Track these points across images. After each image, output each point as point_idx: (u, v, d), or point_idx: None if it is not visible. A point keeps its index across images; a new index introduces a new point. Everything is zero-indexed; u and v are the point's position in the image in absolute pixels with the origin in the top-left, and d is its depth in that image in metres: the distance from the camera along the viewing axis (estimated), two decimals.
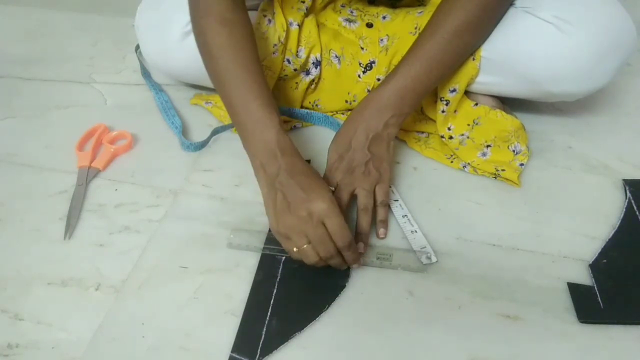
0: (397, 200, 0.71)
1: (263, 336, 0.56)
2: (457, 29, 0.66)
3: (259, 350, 0.55)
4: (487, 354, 0.55)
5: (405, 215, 0.68)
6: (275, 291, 0.61)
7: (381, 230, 0.65)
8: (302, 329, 0.57)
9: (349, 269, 0.62)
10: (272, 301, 0.59)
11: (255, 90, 0.64)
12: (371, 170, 0.66)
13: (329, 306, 0.59)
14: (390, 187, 0.70)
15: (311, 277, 0.62)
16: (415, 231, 0.66)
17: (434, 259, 0.62)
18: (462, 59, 0.72)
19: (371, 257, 0.63)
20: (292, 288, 0.61)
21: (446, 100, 0.75)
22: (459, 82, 0.74)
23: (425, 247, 0.64)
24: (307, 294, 0.61)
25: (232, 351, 0.55)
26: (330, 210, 0.57)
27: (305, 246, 0.58)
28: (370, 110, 0.68)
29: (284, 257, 0.63)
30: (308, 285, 0.61)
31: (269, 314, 0.58)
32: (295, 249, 0.58)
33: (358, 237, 0.64)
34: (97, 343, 0.56)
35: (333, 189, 0.65)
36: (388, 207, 0.68)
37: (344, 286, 0.61)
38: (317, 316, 0.58)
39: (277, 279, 0.62)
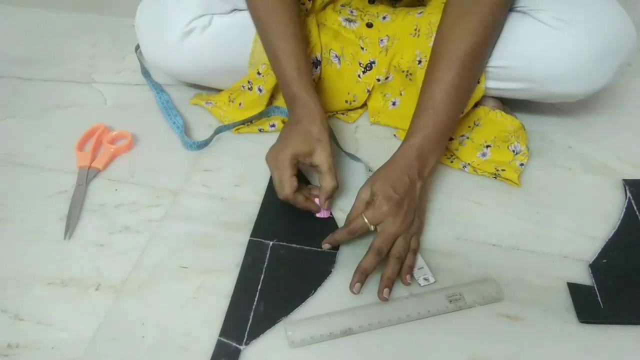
0: None
1: (250, 320, 0.57)
2: (473, 52, 0.66)
3: (246, 334, 0.56)
4: (487, 354, 0.55)
5: None
6: (262, 277, 0.61)
7: (407, 276, 0.60)
8: (289, 313, 0.58)
9: (335, 255, 0.63)
10: (259, 286, 0.60)
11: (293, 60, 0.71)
12: (415, 220, 0.63)
13: (315, 291, 0.60)
14: None
15: (298, 262, 0.63)
16: None
17: (431, 280, 0.60)
18: (478, 77, 0.72)
19: (444, 303, 0.58)
20: (279, 273, 0.62)
21: None
22: (467, 106, 0.74)
23: (422, 267, 0.62)
24: (294, 279, 0.61)
25: (220, 335, 0.56)
26: (274, 165, 0.64)
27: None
28: (417, 157, 0.64)
29: (271, 243, 0.64)
30: (295, 270, 0.62)
31: (256, 298, 0.59)
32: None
33: (385, 282, 0.59)
34: (97, 343, 0.56)
35: (373, 228, 0.61)
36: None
37: (329, 272, 0.62)
38: (304, 301, 0.59)
39: (265, 265, 0.62)
